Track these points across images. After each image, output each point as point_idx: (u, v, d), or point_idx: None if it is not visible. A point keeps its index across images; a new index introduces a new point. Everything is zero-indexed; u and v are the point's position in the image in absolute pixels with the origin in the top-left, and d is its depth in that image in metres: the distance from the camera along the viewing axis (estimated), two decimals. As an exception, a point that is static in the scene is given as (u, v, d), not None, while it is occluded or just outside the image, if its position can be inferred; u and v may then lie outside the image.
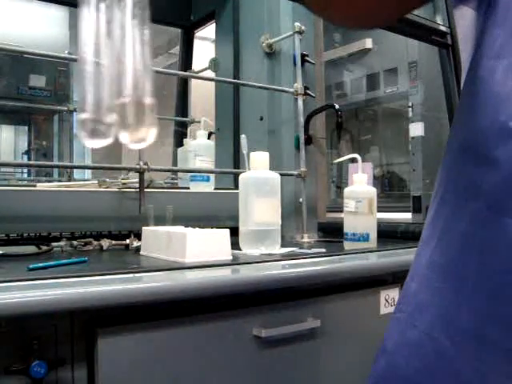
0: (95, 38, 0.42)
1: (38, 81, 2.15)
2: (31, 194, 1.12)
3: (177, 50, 2.17)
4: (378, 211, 1.17)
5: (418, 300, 0.52)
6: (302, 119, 1.47)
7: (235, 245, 1.01)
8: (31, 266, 0.77)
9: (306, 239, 1.39)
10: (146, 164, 1.16)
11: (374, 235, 1.15)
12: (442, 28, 1.66)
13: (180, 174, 1.61)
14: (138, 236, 1.09)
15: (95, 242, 1.10)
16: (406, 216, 2.06)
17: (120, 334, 0.68)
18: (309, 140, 1.50)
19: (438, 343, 0.48)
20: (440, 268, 0.49)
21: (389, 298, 0.97)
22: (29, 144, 2.44)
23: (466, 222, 0.46)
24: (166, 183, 1.68)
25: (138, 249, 1.08)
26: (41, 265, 0.78)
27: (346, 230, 1.16)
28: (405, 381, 0.52)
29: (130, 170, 1.25)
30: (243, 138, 1.12)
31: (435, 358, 0.48)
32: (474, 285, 0.44)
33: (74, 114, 2.15)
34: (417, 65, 2.19)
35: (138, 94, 0.44)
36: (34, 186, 1.29)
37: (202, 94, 2.08)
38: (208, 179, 1.36)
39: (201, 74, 1.85)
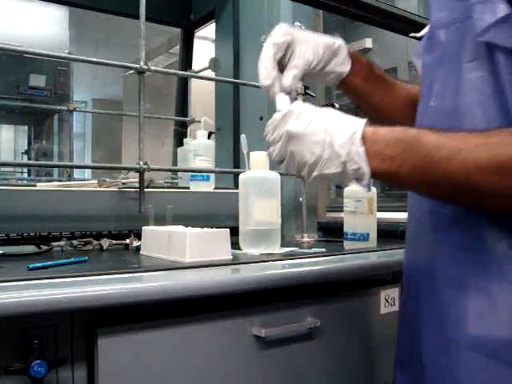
0: None
1: (38, 80, 2.15)
2: (31, 194, 1.12)
3: (177, 49, 2.17)
4: (378, 211, 1.17)
5: None
6: (302, 119, 1.46)
7: (235, 244, 1.01)
8: (31, 266, 0.77)
9: (305, 239, 1.38)
10: (145, 164, 1.16)
11: (373, 235, 1.15)
12: (442, 28, 1.66)
13: (180, 174, 1.61)
14: (138, 236, 1.09)
15: (95, 242, 1.10)
16: (406, 216, 2.06)
17: (120, 333, 0.68)
18: (309, 140, 1.50)
19: None
20: None
21: (389, 298, 0.97)
22: (29, 144, 2.44)
23: None
24: (165, 183, 1.68)
25: (138, 248, 1.08)
26: (41, 264, 0.78)
27: (345, 229, 1.16)
28: None
29: (129, 169, 1.25)
30: (243, 137, 1.12)
31: None
32: None
33: (74, 113, 2.15)
34: (417, 64, 2.18)
35: None
36: (34, 185, 1.29)
37: (202, 94, 2.08)
38: (208, 178, 1.36)
39: (201, 74, 1.85)
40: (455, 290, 0.60)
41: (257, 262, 0.90)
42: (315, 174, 0.59)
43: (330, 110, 0.61)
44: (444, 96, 0.63)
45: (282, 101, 0.66)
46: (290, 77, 0.67)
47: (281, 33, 0.68)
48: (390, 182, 0.61)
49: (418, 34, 0.75)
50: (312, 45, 0.69)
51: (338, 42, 0.73)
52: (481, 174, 0.52)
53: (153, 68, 1.21)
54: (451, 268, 0.62)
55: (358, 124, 0.58)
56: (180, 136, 1.94)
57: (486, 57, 0.57)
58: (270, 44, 0.68)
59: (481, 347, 0.57)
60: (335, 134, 0.58)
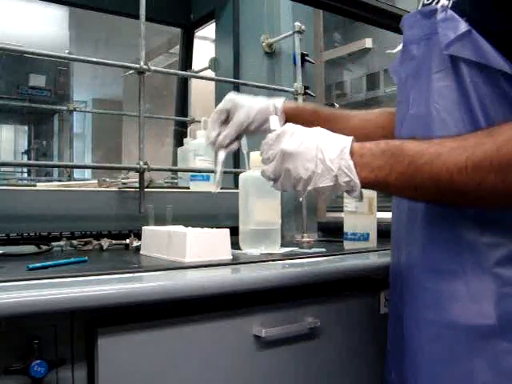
0: None
1: (38, 80, 2.15)
2: (31, 194, 1.12)
3: (177, 49, 2.17)
4: (378, 211, 1.17)
5: None
6: (302, 119, 1.46)
7: (235, 244, 1.01)
8: (31, 266, 0.77)
9: (305, 239, 1.39)
10: (145, 164, 1.16)
11: (373, 235, 1.15)
12: (442, 28, 1.66)
13: (180, 174, 1.61)
14: (138, 235, 1.09)
15: (95, 242, 1.10)
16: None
17: (120, 333, 0.68)
18: (309, 140, 1.50)
19: None
20: None
21: (389, 298, 0.97)
22: (29, 144, 2.44)
23: None
24: (166, 183, 1.68)
25: (137, 248, 1.08)
26: (41, 264, 0.79)
27: (345, 229, 1.16)
28: None
29: (130, 169, 1.25)
30: (243, 137, 1.11)
31: None
32: None
33: (74, 113, 2.15)
34: (417, 64, 2.18)
35: None
36: (34, 185, 1.29)
37: (202, 94, 2.08)
38: (208, 178, 1.36)
39: (201, 74, 1.85)
40: (432, 278, 0.67)
41: (257, 261, 0.90)
42: (310, 188, 0.64)
43: (319, 129, 0.67)
44: (419, 104, 0.70)
45: (275, 122, 0.73)
46: (222, 136, 0.86)
47: (225, 100, 0.86)
48: (380, 190, 0.67)
49: (394, 51, 0.81)
50: (246, 109, 0.84)
51: (275, 104, 0.84)
52: (461, 174, 0.57)
53: (153, 68, 1.21)
54: (428, 257, 0.68)
55: (346, 140, 0.64)
56: (180, 136, 1.94)
57: (452, 68, 0.65)
58: (214, 111, 0.85)
59: (457, 326, 0.63)
60: (326, 151, 0.63)
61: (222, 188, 0.95)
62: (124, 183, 1.24)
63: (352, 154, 0.63)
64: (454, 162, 0.57)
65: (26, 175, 2.26)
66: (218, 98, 1.75)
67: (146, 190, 1.17)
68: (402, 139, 0.66)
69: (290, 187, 0.67)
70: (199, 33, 2.09)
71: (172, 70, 1.98)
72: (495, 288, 0.61)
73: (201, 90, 2.10)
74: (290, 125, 0.68)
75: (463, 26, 0.62)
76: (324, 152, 0.63)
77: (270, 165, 0.67)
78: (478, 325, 0.62)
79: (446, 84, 0.65)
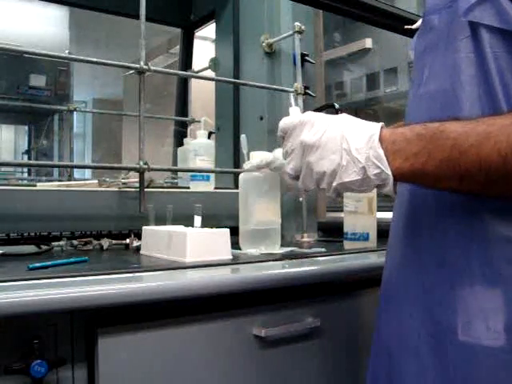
0: None
1: (38, 80, 2.15)
2: (31, 194, 1.12)
3: (177, 49, 2.17)
4: (378, 211, 1.17)
5: None
6: (302, 119, 1.46)
7: (235, 244, 1.01)
8: (31, 266, 0.77)
9: (305, 239, 1.38)
10: (146, 164, 1.16)
11: (373, 235, 1.15)
12: (442, 28, 1.66)
13: (180, 174, 1.61)
14: (138, 235, 1.09)
15: (95, 242, 1.10)
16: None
17: (120, 333, 0.68)
18: (309, 140, 1.49)
19: None
20: None
21: (389, 298, 0.97)
22: (29, 144, 2.44)
23: None
24: (166, 183, 1.68)
25: (138, 248, 1.08)
26: (41, 264, 0.79)
27: (345, 229, 1.16)
28: None
29: (130, 169, 1.25)
30: (243, 137, 1.11)
31: None
32: None
33: (75, 113, 2.15)
34: (417, 64, 2.18)
35: None
36: (35, 185, 1.29)
37: (202, 94, 2.08)
38: (208, 178, 1.36)
39: (201, 74, 1.85)
40: (463, 282, 0.57)
41: (257, 261, 0.90)
42: (335, 183, 0.57)
43: (344, 116, 0.59)
44: (436, 80, 0.61)
45: (294, 112, 0.70)
46: None
47: None
48: (418, 181, 0.57)
49: (414, 26, 0.75)
50: None
51: None
52: None
53: (153, 68, 1.21)
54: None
55: (374, 127, 0.57)
56: (180, 136, 1.94)
57: (471, 37, 0.57)
58: None
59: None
60: (351, 140, 0.56)
61: (221, 188, 0.95)
62: (124, 183, 1.24)
63: (382, 141, 0.55)
64: (509, 140, 0.49)
65: (26, 175, 2.27)
66: (218, 97, 1.75)
67: (146, 189, 1.17)
68: (443, 120, 0.55)
69: (313, 184, 0.59)
70: (199, 33, 2.09)
71: (172, 70, 1.98)
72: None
73: (201, 90, 2.10)
74: (310, 113, 0.61)
75: None
76: (349, 141, 0.55)
77: (289, 159, 0.60)
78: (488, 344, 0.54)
79: (466, 56, 0.57)
